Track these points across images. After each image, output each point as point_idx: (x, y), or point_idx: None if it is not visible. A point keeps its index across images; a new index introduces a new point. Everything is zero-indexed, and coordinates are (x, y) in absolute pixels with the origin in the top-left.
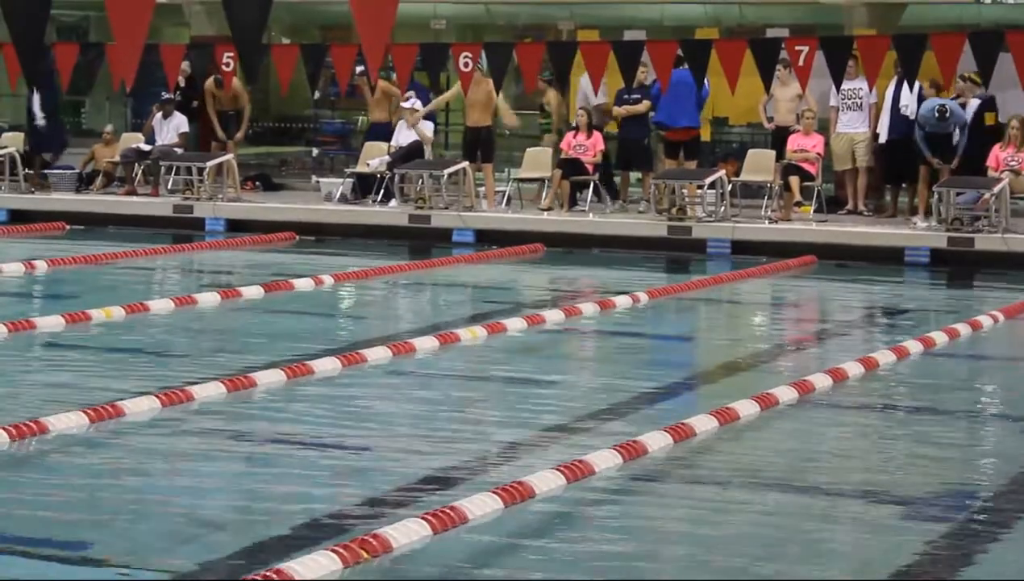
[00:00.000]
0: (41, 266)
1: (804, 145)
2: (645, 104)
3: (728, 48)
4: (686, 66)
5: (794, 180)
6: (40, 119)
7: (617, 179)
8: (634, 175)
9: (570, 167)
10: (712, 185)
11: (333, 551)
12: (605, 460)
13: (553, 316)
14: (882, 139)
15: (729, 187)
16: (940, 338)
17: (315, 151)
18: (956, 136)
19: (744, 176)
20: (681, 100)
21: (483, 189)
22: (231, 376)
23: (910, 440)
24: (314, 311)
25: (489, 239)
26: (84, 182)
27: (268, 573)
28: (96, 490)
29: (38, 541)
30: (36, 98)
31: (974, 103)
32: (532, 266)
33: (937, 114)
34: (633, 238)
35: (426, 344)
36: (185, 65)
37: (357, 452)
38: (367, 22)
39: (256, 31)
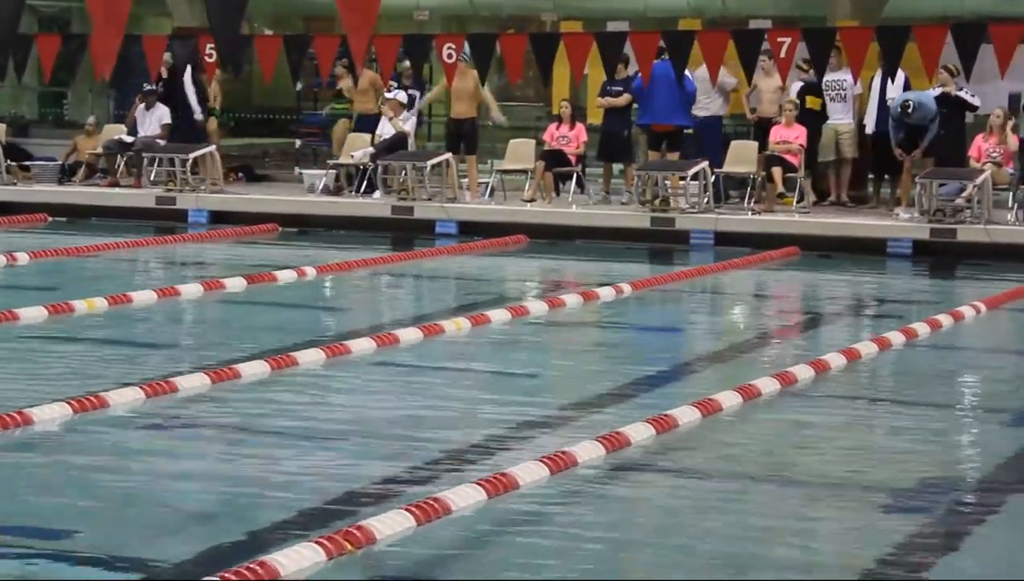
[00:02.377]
0: (23, 258)
1: (786, 137)
2: (625, 97)
3: (711, 39)
4: (666, 57)
5: (777, 171)
6: (199, 113)
7: (599, 170)
8: (616, 166)
9: (553, 159)
10: (695, 176)
11: (317, 543)
12: (588, 451)
13: (537, 307)
14: (869, 130)
15: (712, 178)
16: (922, 329)
17: (298, 142)
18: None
19: (727, 167)
20: (666, 97)
21: (466, 181)
22: (215, 367)
23: (892, 431)
24: (297, 303)
25: (472, 231)
26: (66, 174)
27: (252, 565)
28: (79, 481)
29: (20, 533)
30: (192, 90)
31: (796, 86)
32: (515, 258)
33: (900, 109)
34: (616, 229)
35: (410, 336)
36: (167, 56)
37: (341, 444)
38: (351, 14)
39: (234, 22)
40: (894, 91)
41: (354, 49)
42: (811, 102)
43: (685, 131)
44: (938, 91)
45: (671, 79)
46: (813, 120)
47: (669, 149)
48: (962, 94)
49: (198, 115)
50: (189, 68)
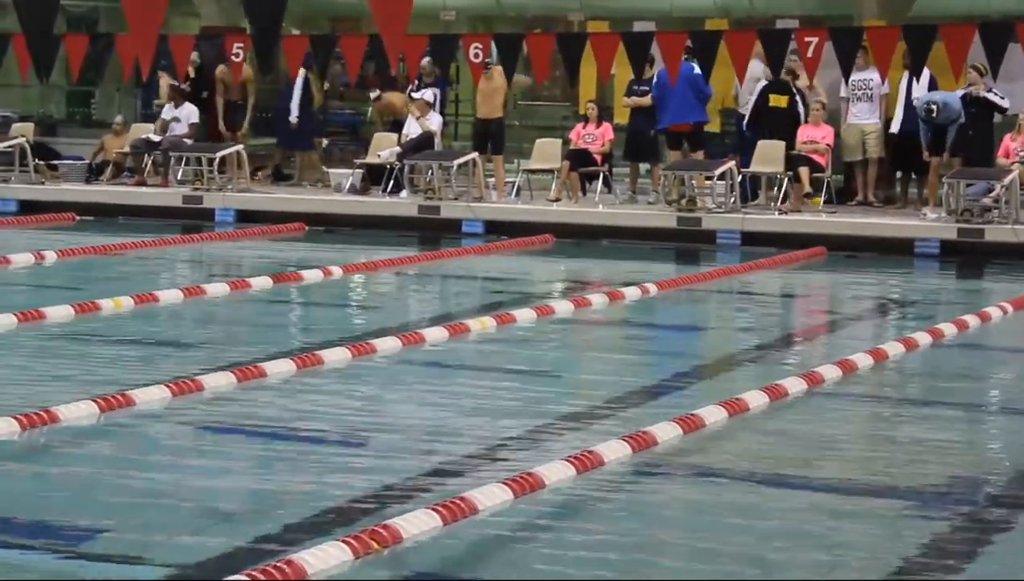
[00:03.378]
0: (51, 256)
1: (813, 136)
2: (652, 97)
3: (737, 39)
4: (685, 58)
5: (804, 171)
6: (295, 116)
7: (626, 170)
8: (643, 166)
9: (578, 158)
10: (721, 176)
11: (343, 542)
12: (614, 451)
13: (562, 307)
14: (894, 129)
15: (739, 178)
16: (949, 329)
17: (325, 142)
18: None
19: (753, 167)
20: (680, 96)
21: (493, 180)
22: (241, 366)
23: (919, 431)
24: (323, 302)
25: (499, 230)
26: (94, 173)
27: (279, 564)
28: (105, 480)
29: (47, 531)
30: (297, 92)
31: (759, 85)
32: (542, 257)
33: (924, 112)
34: (643, 229)
35: (436, 335)
36: (195, 56)
37: (367, 442)
38: (383, 12)
39: (274, 23)
40: (919, 90)
41: (388, 46)
42: (774, 100)
43: (704, 127)
44: (966, 90)
45: (685, 77)
46: (777, 118)
47: (692, 148)
48: (990, 96)
49: (293, 117)
50: (303, 70)
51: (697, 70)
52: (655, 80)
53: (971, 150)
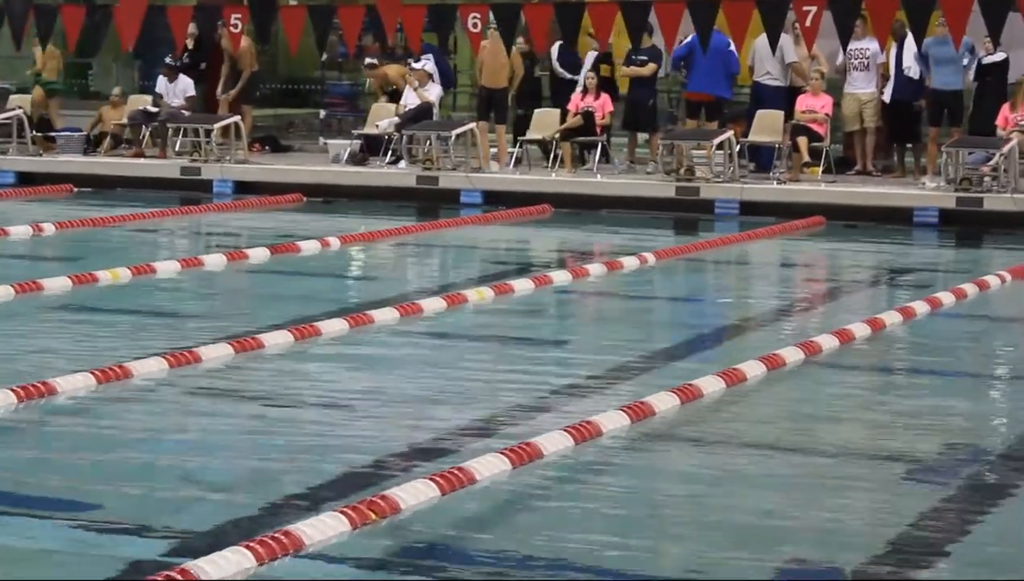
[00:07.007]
0: (48, 228)
1: (812, 106)
2: (650, 67)
3: (736, 8)
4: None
5: (802, 141)
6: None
7: (624, 140)
8: (641, 136)
9: (577, 129)
10: (720, 146)
11: (341, 512)
12: (612, 421)
13: (561, 277)
14: (886, 99)
15: (737, 148)
16: (947, 298)
17: (322, 113)
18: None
19: (752, 137)
20: (713, 68)
21: (495, 150)
22: (238, 337)
23: (917, 400)
24: (321, 273)
25: (497, 200)
26: (92, 144)
27: (277, 534)
28: (103, 451)
29: (45, 503)
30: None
31: (590, 57)
32: (540, 227)
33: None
34: (641, 199)
35: (434, 305)
36: (192, 27)
37: (364, 413)
38: None
39: None
40: (910, 59)
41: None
42: (605, 70)
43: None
44: (988, 59)
45: (719, 50)
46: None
47: (708, 118)
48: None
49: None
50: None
51: (732, 47)
52: (686, 45)
53: (983, 119)
